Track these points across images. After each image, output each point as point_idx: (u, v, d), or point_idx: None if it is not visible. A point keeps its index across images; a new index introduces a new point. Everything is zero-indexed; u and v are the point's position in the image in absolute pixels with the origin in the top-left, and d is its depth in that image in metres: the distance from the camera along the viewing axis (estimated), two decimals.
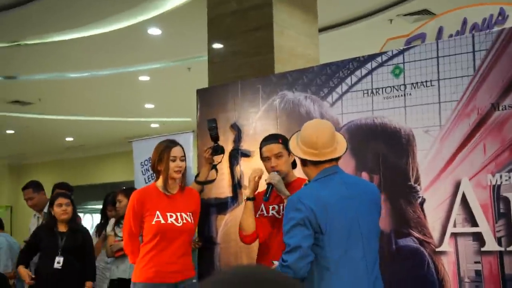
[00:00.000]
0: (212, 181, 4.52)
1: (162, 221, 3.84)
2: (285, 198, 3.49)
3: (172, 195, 3.97)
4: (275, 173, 3.59)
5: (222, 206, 4.61)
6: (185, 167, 4.05)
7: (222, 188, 4.62)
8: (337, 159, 3.00)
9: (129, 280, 4.85)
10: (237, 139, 4.61)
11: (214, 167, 4.46)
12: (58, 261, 4.96)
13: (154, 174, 4.09)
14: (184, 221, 3.91)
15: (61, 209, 5.14)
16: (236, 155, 4.59)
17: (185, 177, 4.10)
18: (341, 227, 2.86)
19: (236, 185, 4.56)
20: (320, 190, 2.91)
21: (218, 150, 4.39)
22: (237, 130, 4.61)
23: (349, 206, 2.90)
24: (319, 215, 2.81)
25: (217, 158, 4.42)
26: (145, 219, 3.89)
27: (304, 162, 3.01)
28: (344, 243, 2.86)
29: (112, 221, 5.59)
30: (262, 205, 3.74)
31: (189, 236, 3.98)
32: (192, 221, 3.99)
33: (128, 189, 5.33)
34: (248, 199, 3.76)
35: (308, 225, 2.81)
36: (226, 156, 4.53)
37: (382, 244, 3.09)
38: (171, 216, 3.87)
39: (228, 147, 4.58)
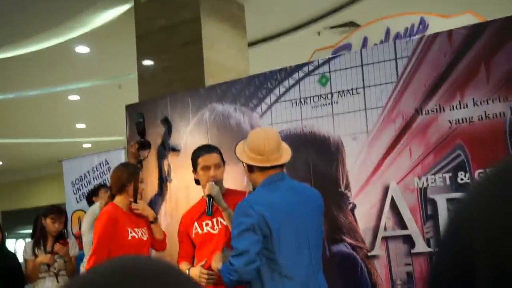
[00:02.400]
0: None
1: (136, 236, 3.89)
2: (223, 209, 3.46)
3: (132, 213, 4.01)
4: (212, 183, 3.54)
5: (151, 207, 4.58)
6: None
7: (145, 198, 4.57)
8: (282, 165, 3.04)
9: None
10: (167, 133, 4.59)
11: (139, 162, 4.43)
12: None
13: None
14: (146, 235, 3.98)
15: None
16: (165, 150, 4.57)
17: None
18: (290, 232, 2.90)
19: (164, 180, 4.53)
20: (268, 195, 2.94)
21: (145, 145, 4.40)
22: (167, 125, 4.59)
23: (297, 211, 2.95)
24: (269, 219, 2.84)
25: (143, 153, 4.41)
26: (119, 236, 3.85)
27: (251, 169, 3.04)
28: (293, 248, 2.90)
29: (28, 244, 5.41)
30: (196, 222, 3.68)
31: (149, 250, 4.07)
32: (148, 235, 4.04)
33: (53, 209, 5.22)
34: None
35: (257, 230, 2.83)
36: (150, 160, 4.52)
37: None
38: (137, 232, 3.91)
39: (157, 142, 4.58)
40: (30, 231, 5.67)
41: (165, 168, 4.55)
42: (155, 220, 4.03)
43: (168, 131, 4.59)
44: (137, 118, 4.45)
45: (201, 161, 3.60)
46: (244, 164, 3.11)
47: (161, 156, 4.59)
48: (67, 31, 7.55)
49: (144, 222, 4.05)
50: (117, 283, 0.54)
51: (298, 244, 2.91)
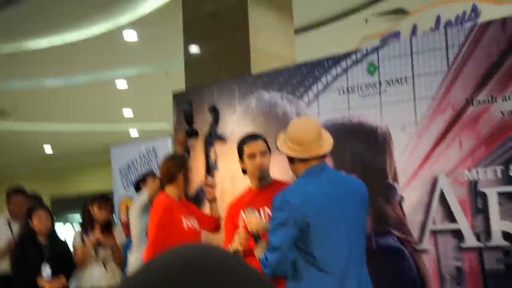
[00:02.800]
0: None
1: (191, 226, 3.97)
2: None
3: (182, 202, 4.08)
4: (250, 211, 3.39)
5: (196, 200, 4.59)
6: None
7: (192, 186, 4.59)
8: (323, 156, 3.00)
9: None
10: (214, 122, 4.59)
11: (187, 150, 4.46)
12: (46, 271, 5.04)
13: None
14: (196, 224, 4.05)
15: (41, 222, 5.13)
16: (211, 138, 4.58)
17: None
18: (327, 224, 2.85)
19: (211, 168, 4.55)
20: (306, 187, 2.90)
21: (193, 133, 4.41)
22: (215, 113, 4.59)
23: (335, 203, 2.89)
24: (306, 212, 2.80)
25: (191, 142, 4.43)
26: (175, 224, 3.92)
27: (291, 160, 3.02)
28: (331, 241, 2.85)
29: (77, 232, 5.50)
30: (242, 211, 3.64)
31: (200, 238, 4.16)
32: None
33: (99, 197, 5.30)
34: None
35: (293, 225, 2.80)
36: (196, 148, 4.54)
37: None
38: (189, 221, 4.00)
39: (204, 130, 4.59)
40: (77, 215, 5.76)
41: (212, 156, 4.56)
42: (215, 198, 4.16)
43: (215, 120, 4.59)
44: (185, 106, 4.45)
45: (247, 148, 3.57)
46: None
47: (208, 145, 4.60)
48: (116, 18, 7.63)
49: (194, 212, 4.09)
50: (183, 275, 0.53)
51: (336, 237, 2.86)
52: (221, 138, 4.55)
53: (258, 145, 3.56)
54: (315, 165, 2.96)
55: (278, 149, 3.09)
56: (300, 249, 2.84)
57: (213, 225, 4.19)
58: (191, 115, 4.42)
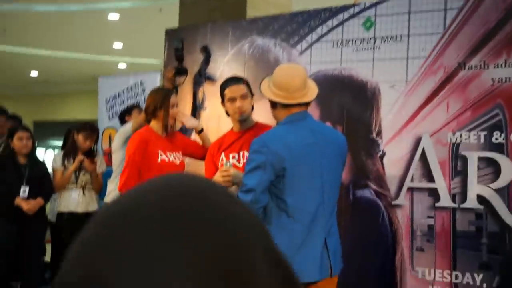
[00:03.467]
0: None
1: (166, 160, 3.95)
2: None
3: (166, 137, 4.05)
4: (227, 164, 3.39)
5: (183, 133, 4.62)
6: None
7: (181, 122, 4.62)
8: (307, 104, 2.99)
9: (80, 214, 4.88)
10: (205, 62, 4.58)
11: (175, 88, 4.46)
12: (24, 190, 5.02)
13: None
14: (179, 159, 4.05)
15: (22, 143, 5.13)
16: (201, 78, 4.58)
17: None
18: (302, 172, 2.87)
19: (197, 107, 4.56)
20: (286, 134, 2.91)
21: (182, 71, 4.40)
22: (206, 54, 4.58)
23: (313, 153, 2.90)
24: (283, 157, 2.82)
25: (179, 80, 4.43)
26: (151, 158, 3.92)
27: (274, 104, 3.00)
28: (304, 190, 2.87)
29: (58, 155, 5.53)
30: (222, 153, 3.71)
31: None
32: (183, 159, 4.09)
33: (87, 127, 5.31)
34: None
35: (269, 168, 2.81)
36: (185, 87, 4.54)
37: (340, 194, 3.12)
38: (170, 155, 3.96)
39: (194, 70, 4.58)
40: (60, 142, 5.77)
41: (200, 96, 4.56)
42: (202, 130, 4.15)
43: (206, 60, 4.58)
44: (177, 44, 4.43)
45: (228, 92, 3.59)
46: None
47: (197, 84, 4.60)
48: None
49: (179, 147, 4.10)
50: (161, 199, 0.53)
51: (309, 186, 2.88)
52: (210, 79, 4.55)
53: (239, 89, 3.57)
54: (297, 112, 2.96)
55: (261, 92, 3.09)
56: (272, 194, 2.87)
57: (203, 152, 4.17)
58: (182, 52, 4.41)
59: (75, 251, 0.51)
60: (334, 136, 3.09)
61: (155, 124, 4.05)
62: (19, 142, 5.13)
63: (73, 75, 14.95)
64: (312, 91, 3.00)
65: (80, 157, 5.27)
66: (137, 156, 3.93)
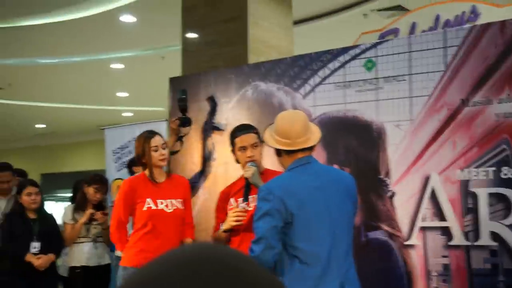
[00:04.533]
0: (176, 152, 4.52)
1: (153, 207, 3.89)
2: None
3: (161, 183, 3.99)
4: (250, 165, 3.57)
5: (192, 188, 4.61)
6: (169, 154, 4.07)
7: (184, 172, 4.61)
8: (310, 148, 3.01)
9: (93, 268, 4.84)
10: (212, 112, 4.60)
11: (180, 138, 4.47)
12: (35, 246, 5.02)
13: (129, 166, 4.10)
14: (174, 207, 3.97)
15: (31, 198, 5.15)
16: (209, 128, 4.59)
17: (169, 164, 4.11)
18: (310, 217, 2.86)
19: (206, 158, 4.56)
20: (290, 180, 2.92)
21: (186, 121, 4.43)
22: (212, 103, 4.61)
23: (319, 196, 2.90)
24: (289, 204, 2.82)
25: (184, 130, 4.45)
26: (137, 206, 3.91)
27: (279, 152, 3.03)
28: (314, 234, 2.86)
29: (69, 208, 5.54)
30: (231, 198, 3.73)
31: (180, 222, 4.01)
32: (182, 207, 4.01)
33: (97, 179, 5.33)
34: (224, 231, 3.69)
35: (277, 215, 2.81)
36: (198, 136, 4.55)
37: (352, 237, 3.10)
38: (161, 203, 3.91)
39: (200, 117, 4.60)
40: (68, 194, 5.78)
41: (209, 146, 4.57)
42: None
43: (212, 110, 4.60)
44: (180, 94, 4.48)
45: (238, 141, 3.63)
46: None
47: (205, 134, 4.61)
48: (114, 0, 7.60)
49: (178, 193, 4.04)
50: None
51: (319, 230, 2.87)
52: (218, 129, 4.56)
53: (250, 138, 3.62)
54: (302, 157, 2.98)
55: (265, 142, 3.12)
56: (283, 242, 2.86)
57: (188, 227, 4.16)
58: (186, 103, 4.45)
59: None
60: (341, 177, 3.09)
61: (146, 171, 4.03)
62: (28, 198, 5.15)
63: (79, 126, 15.06)
64: (315, 135, 3.03)
65: (90, 210, 5.28)
66: (120, 206, 3.94)
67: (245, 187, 3.55)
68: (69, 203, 5.86)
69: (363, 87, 3.99)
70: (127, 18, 8.17)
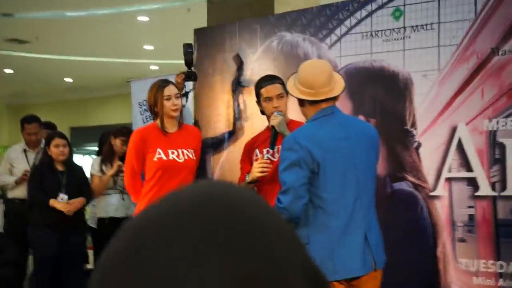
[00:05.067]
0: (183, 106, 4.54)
1: (164, 158, 3.87)
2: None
3: (172, 133, 3.97)
4: (276, 113, 3.55)
5: (218, 144, 4.61)
6: (181, 104, 4.03)
7: (217, 128, 4.62)
8: (334, 98, 2.98)
9: (121, 219, 4.90)
10: (238, 69, 4.58)
11: (185, 94, 4.45)
12: (62, 198, 5.08)
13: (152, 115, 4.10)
14: (186, 157, 3.93)
15: (59, 150, 5.18)
16: (235, 85, 4.57)
17: (182, 114, 4.08)
18: (336, 167, 2.86)
19: (237, 117, 4.56)
20: (316, 130, 2.91)
21: (191, 75, 4.41)
22: (239, 61, 4.58)
23: (344, 147, 2.89)
24: (315, 154, 2.82)
25: (188, 84, 4.45)
26: (147, 157, 3.90)
27: (302, 102, 3.01)
28: (339, 184, 2.86)
29: (96, 160, 5.59)
30: (256, 149, 3.72)
31: (191, 172, 4.00)
32: (194, 157, 3.99)
33: (123, 131, 5.36)
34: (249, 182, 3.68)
35: (304, 165, 2.81)
36: (226, 90, 4.53)
37: (377, 187, 3.09)
38: (172, 153, 3.89)
39: (224, 68, 4.58)
40: (96, 148, 5.83)
41: (241, 106, 4.55)
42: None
43: (239, 67, 4.57)
44: (186, 48, 4.46)
45: (264, 91, 3.61)
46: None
47: (235, 92, 4.59)
48: None
49: (190, 143, 4.04)
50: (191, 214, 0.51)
51: (344, 180, 2.86)
52: (242, 85, 4.54)
53: (275, 88, 3.60)
54: (326, 107, 2.95)
55: (288, 91, 3.09)
56: (309, 192, 2.87)
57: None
58: (191, 57, 4.45)
59: (102, 270, 0.50)
60: (364, 128, 3.08)
61: (158, 121, 4.02)
62: (56, 149, 5.18)
63: (106, 80, 15.10)
64: (338, 85, 2.99)
65: (118, 162, 5.32)
66: (132, 156, 3.95)
67: (272, 136, 3.53)
68: (96, 155, 5.93)
69: (390, 37, 3.92)
70: None
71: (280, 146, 3.53)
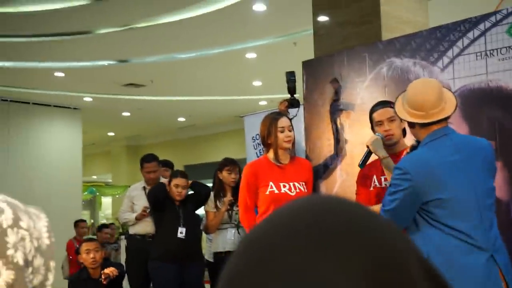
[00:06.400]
0: None
1: (276, 191, 3.89)
2: (381, 158, 3.43)
3: (284, 166, 4.00)
4: (376, 134, 3.53)
5: (324, 169, 4.57)
6: (294, 137, 4.06)
7: (320, 155, 4.58)
8: (446, 118, 2.87)
9: None
10: (337, 93, 4.56)
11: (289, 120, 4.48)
12: (181, 232, 5.25)
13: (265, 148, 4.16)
14: (298, 190, 3.95)
15: (177, 190, 5.36)
16: (335, 110, 4.55)
17: (294, 147, 4.11)
18: (453, 194, 2.75)
19: (336, 140, 4.52)
20: (428, 156, 2.81)
21: (294, 103, 4.46)
22: (336, 85, 4.57)
23: (460, 171, 2.78)
24: (427, 184, 2.74)
25: (292, 111, 4.47)
26: (259, 190, 3.94)
27: (412, 124, 2.93)
28: (459, 211, 2.75)
29: (209, 198, 5.68)
30: (374, 176, 3.67)
31: None
32: (306, 190, 4.00)
33: (226, 162, 5.47)
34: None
35: (411, 193, 2.75)
36: (326, 118, 4.51)
37: (500, 211, 2.94)
38: (284, 186, 3.91)
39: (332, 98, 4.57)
40: (210, 184, 5.97)
41: (339, 127, 4.54)
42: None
43: (337, 91, 4.56)
44: (289, 76, 4.54)
45: (376, 116, 3.61)
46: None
47: (333, 116, 4.57)
48: None
49: (302, 176, 4.01)
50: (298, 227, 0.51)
51: (466, 207, 2.74)
52: (344, 109, 4.51)
53: (386, 112, 3.56)
54: (438, 129, 2.85)
55: (396, 114, 3.02)
56: (429, 218, 2.77)
57: None
58: (294, 84, 4.52)
59: (225, 285, 0.50)
60: (479, 146, 2.93)
61: (270, 153, 4.04)
62: (175, 189, 5.37)
63: (218, 117, 15.49)
64: (450, 104, 2.88)
65: (228, 197, 5.38)
66: (244, 190, 3.97)
67: (364, 155, 3.56)
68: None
69: (507, 55, 3.76)
70: (259, 7, 8.26)
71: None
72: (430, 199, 2.75)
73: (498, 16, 3.81)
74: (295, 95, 4.59)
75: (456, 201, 2.75)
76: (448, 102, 2.89)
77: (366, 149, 3.58)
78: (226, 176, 5.46)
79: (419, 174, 2.75)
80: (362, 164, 3.56)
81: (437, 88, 2.88)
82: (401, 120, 3.51)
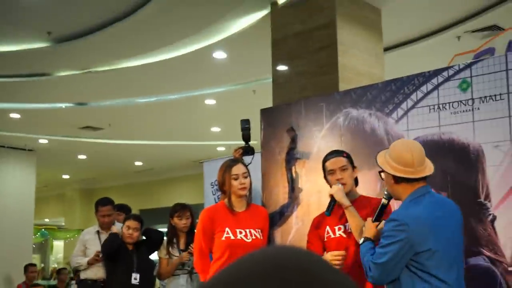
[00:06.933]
0: None
1: (232, 237, 3.89)
2: (345, 208, 3.47)
3: (240, 213, 4.00)
4: (336, 184, 3.58)
5: (278, 217, 4.58)
6: (250, 183, 4.07)
7: (277, 202, 4.60)
8: (425, 178, 3.04)
9: None
10: (292, 142, 4.61)
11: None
12: (135, 277, 5.18)
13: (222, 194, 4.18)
14: (253, 237, 3.95)
15: (128, 232, 5.31)
16: (291, 158, 4.59)
17: (251, 194, 4.12)
18: (440, 247, 2.88)
19: (291, 188, 4.55)
20: (418, 210, 2.94)
21: (249, 151, 4.51)
22: (292, 134, 4.62)
23: (443, 226, 2.92)
24: (421, 235, 2.85)
25: (247, 159, 4.51)
26: (215, 236, 3.93)
27: (397, 180, 3.00)
28: (445, 263, 2.88)
29: (162, 244, 5.61)
30: (327, 227, 3.70)
31: None
32: (261, 237, 4.00)
33: (172, 209, 5.45)
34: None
35: (405, 246, 2.85)
36: (283, 166, 4.55)
37: None
38: (240, 232, 3.92)
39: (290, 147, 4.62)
40: (166, 229, 5.91)
41: (294, 175, 4.58)
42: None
43: (293, 140, 4.63)
44: (244, 124, 4.60)
45: (328, 165, 3.67)
46: (380, 174, 3.11)
47: (288, 164, 4.61)
48: (206, 38, 7.80)
49: (258, 223, 4.03)
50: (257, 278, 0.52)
51: (449, 259, 2.89)
52: (300, 158, 4.56)
53: (338, 161, 3.63)
54: (422, 187, 3.01)
55: (380, 167, 3.10)
56: (417, 270, 2.88)
57: None
58: (249, 132, 4.57)
59: None
60: (454, 206, 3.10)
61: (226, 200, 4.06)
62: (126, 231, 5.32)
63: (176, 162, 15.43)
64: (430, 164, 3.07)
65: (184, 254, 5.30)
66: (200, 235, 3.97)
67: (330, 204, 3.59)
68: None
69: (458, 109, 3.88)
70: (219, 55, 8.36)
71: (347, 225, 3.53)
72: (422, 250, 2.85)
73: (450, 72, 3.94)
74: (249, 143, 4.64)
75: (442, 252, 2.87)
76: (428, 162, 3.08)
77: (327, 198, 3.63)
78: (177, 222, 5.42)
79: (414, 225, 2.86)
80: (329, 212, 3.61)
81: (421, 148, 3.06)
82: (353, 170, 3.60)
